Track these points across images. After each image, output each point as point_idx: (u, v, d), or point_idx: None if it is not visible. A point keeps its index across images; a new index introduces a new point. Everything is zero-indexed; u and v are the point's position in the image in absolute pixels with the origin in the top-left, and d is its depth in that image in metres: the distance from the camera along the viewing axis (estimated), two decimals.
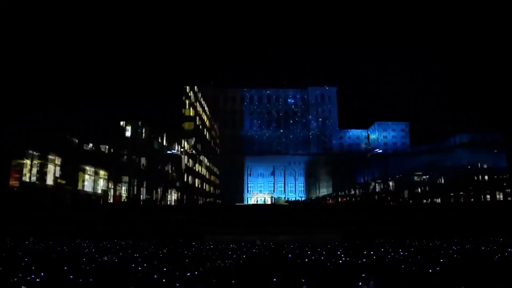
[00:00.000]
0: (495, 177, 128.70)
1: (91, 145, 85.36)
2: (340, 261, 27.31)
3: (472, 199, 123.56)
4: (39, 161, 70.24)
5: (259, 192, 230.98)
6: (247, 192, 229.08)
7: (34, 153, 68.93)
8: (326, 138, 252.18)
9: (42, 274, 20.90)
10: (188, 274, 22.17)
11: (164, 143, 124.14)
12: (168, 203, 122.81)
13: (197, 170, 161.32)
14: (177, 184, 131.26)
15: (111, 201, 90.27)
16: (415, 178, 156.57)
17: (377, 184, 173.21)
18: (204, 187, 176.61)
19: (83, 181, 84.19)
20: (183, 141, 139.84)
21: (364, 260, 27.59)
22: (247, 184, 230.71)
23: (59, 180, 73.96)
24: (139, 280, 21.08)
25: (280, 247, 37.67)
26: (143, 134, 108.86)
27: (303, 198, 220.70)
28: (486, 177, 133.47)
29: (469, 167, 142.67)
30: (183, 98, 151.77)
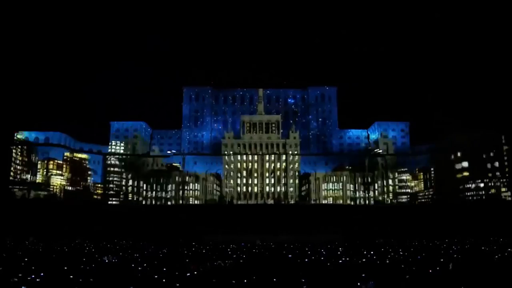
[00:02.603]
0: None
1: None
2: (340, 261, 27.31)
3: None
4: None
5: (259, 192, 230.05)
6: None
7: None
8: (326, 138, 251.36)
9: (42, 274, 20.89)
10: (188, 274, 22.17)
11: None
12: None
13: None
14: None
15: None
16: None
17: None
18: None
19: None
20: None
21: (364, 260, 27.60)
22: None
23: None
24: (139, 280, 21.06)
25: (280, 247, 37.64)
26: None
27: None
28: None
29: None
30: None
